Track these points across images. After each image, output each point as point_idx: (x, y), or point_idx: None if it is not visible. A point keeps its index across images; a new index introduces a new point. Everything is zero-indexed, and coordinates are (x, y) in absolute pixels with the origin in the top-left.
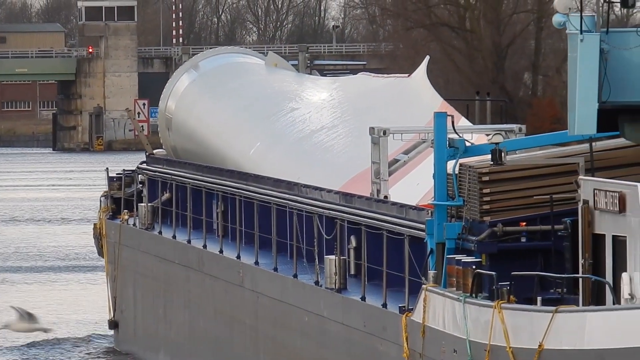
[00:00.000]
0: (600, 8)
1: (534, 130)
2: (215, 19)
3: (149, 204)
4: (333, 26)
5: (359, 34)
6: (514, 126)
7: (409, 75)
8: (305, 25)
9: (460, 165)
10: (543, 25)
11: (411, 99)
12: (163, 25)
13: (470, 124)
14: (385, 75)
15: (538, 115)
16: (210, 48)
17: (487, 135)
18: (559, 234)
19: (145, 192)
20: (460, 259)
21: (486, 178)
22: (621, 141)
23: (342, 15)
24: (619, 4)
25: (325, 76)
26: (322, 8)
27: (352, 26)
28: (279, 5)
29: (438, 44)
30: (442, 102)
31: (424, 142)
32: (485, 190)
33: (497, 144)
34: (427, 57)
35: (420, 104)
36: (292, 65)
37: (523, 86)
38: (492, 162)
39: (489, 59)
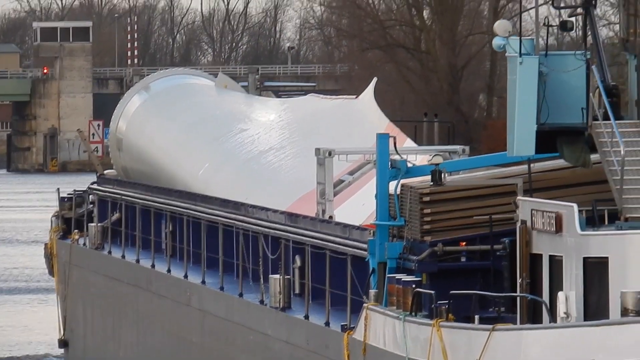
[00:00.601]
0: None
1: (489, 152)
2: (171, 40)
3: (99, 224)
4: (288, 47)
5: (315, 55)
6: (458, 147)
7: (356, 97)
8: (260, 47)
9: (402, 185)
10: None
11: (358, 120)
12: (118, 46)
13: (415, 145)
14: (334, 96)
15: (493, 137)
16: (166, 69)
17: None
18: (498, 253)
19: (95, 212)
20: (401, 278)
21: (427, 198)
22: (560, 162)
23: (298, 37)
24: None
25: (280, 97)
26: (277, 29)
27: (307, 47)
28: (234, 27)
29: (393, 65)
30: (388, 123)
31: (369, 163)
32: (425, 211)
33: (437, 165)
34: (375, 79)
35: (366, 126)
36: (243, 86)
37: (478, 107)
38: (432, 183)
39: (444, 80)
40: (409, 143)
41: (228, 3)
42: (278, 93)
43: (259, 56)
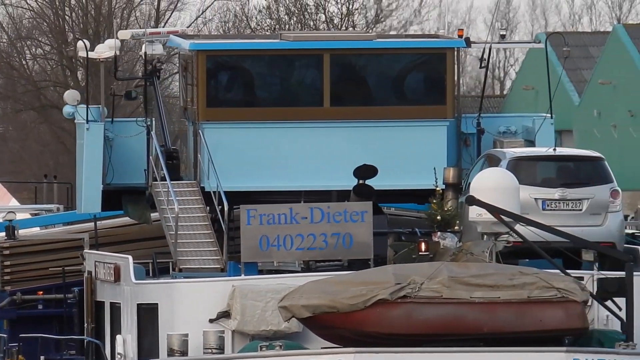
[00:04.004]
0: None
1: None
2: None
3: None
4: None
5: None
6: (53, 206)
7: None
8: None
9: None
10: (171, 109)
11: None
12: None
13: (19, 204)
14: None
15: None
16: None
17: (35, 213)
18: (69, 301)
19: None
20: None
21: (7, 252)
22: (126, 219)
23: None
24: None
25: None
26: None
27: None
28: None
29: (48, 126)
30: None
31: None
32: (6, 263)
33: (10, 221)
34: None
35: None
36: None
37: None
38: (6, 238)
39: None
40: (13, 202)
41: None
42: None
43: None
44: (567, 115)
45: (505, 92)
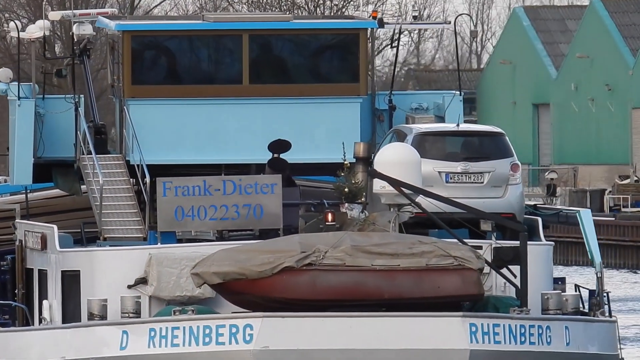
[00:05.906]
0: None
1: None
2: None
3: None
4: None
5: None
6: (1, 178)
7: None
8: None
9: None
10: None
11: None
12: None
13: None
14: None
15: None
16: None
17: None
18: (3, 268)
19: None
20: None
21: None
22: (58, 191)
23: None
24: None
25: None
26: None
27: None
28: None
29: None
30: None
31: None
32: None
33: None
34: None
35: None
36: None
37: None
38: None
39: None
40: None
41: None
42: None
43: None
44: (544, 89)
45: (482, 66)
